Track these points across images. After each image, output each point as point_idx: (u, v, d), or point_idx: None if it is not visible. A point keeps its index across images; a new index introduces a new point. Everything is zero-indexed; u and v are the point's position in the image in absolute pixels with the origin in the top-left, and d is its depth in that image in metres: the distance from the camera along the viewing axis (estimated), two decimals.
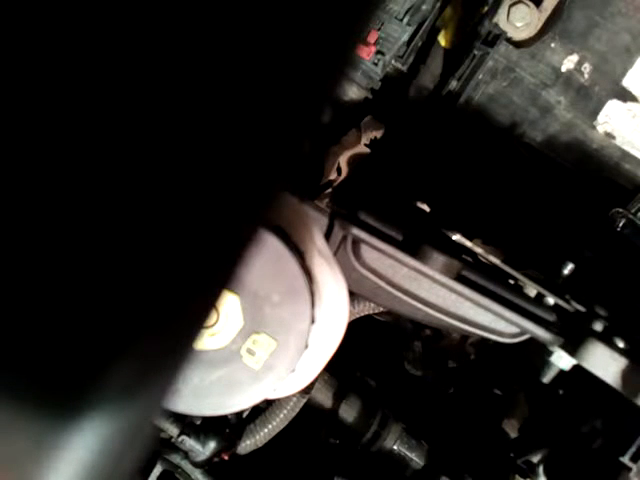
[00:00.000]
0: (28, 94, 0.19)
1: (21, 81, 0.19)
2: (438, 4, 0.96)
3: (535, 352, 0.85)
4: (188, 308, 0.25)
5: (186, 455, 0.88)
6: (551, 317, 0.83)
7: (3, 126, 0.19)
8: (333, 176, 1.00)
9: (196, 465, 0.88)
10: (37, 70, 0.19)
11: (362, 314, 0.91)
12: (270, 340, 0.67)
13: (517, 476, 0.93)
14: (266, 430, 0.91)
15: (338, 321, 0.74)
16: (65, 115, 0.20)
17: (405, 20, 0.94)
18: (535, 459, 0.91)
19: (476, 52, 0.95)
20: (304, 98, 0.24)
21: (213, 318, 0.66)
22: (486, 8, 0.96)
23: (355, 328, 0.84)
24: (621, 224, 0.90)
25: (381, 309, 0.91)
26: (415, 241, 0.80)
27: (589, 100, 0.96)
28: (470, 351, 1.15)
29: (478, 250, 0.85)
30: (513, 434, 1.05)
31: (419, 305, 0.82)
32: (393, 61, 0.98)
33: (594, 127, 0.97)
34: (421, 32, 0.97)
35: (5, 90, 0.19)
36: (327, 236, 0.81)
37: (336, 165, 1.00)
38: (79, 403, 0.22)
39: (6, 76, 0.19)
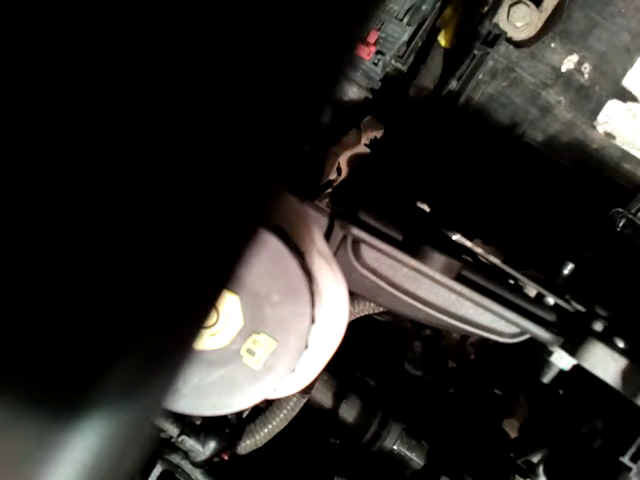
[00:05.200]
0: (29, 94, 0.19)
1: (22, 81, 0.19)
2: (438, 4, 0.96)
3: (535, 352, 0.85)
4: (188, 308, 0.25)
5: (186, 455, 0.88)
6: (551, 317, 0.83)
7: (4, 126, 0.19)
8: (333, 176, 1.00)
9: (196, 465, 0.88)
10: (38, 70, 0.19)
11: (362, 314, 0.91)
12: (270, 340, 0.67)
13: (517, 476, 0.93)
14: (266, 430, 0.91)
15: (338, 321, 0.74)
16: (66, 115, 0.20)
17: (405, 20, 0.94)
18: (535, 459, 0.91)
19: (476, 52, 0.95)
20: (304, 98, 0.24)
21: (213, 318, 0.66)
22: (486, 8, 0.96)
23: (355, 328, 0.84)
24: (621, 224, 0.90)
25: (381, 309, 0.91)
26: (415, 241, 0.80)
27: (589, 100, 0.96)
28: (470, 351, 1.15)
29: (478, 250, 0.85)
30: (513, 434, 1.05)
31: (419, 305, 0.82)
32: (393, 61, 0.98)
33: (594, 127, 0.96)
34: (421, 32, 0.97)
35: (6, 90, 0.19)
36: (327, 236, 0.81)
37: (336, 165, 1.00)
38: (79, 403, 0.22)
39: (6, 76, 0.19)
